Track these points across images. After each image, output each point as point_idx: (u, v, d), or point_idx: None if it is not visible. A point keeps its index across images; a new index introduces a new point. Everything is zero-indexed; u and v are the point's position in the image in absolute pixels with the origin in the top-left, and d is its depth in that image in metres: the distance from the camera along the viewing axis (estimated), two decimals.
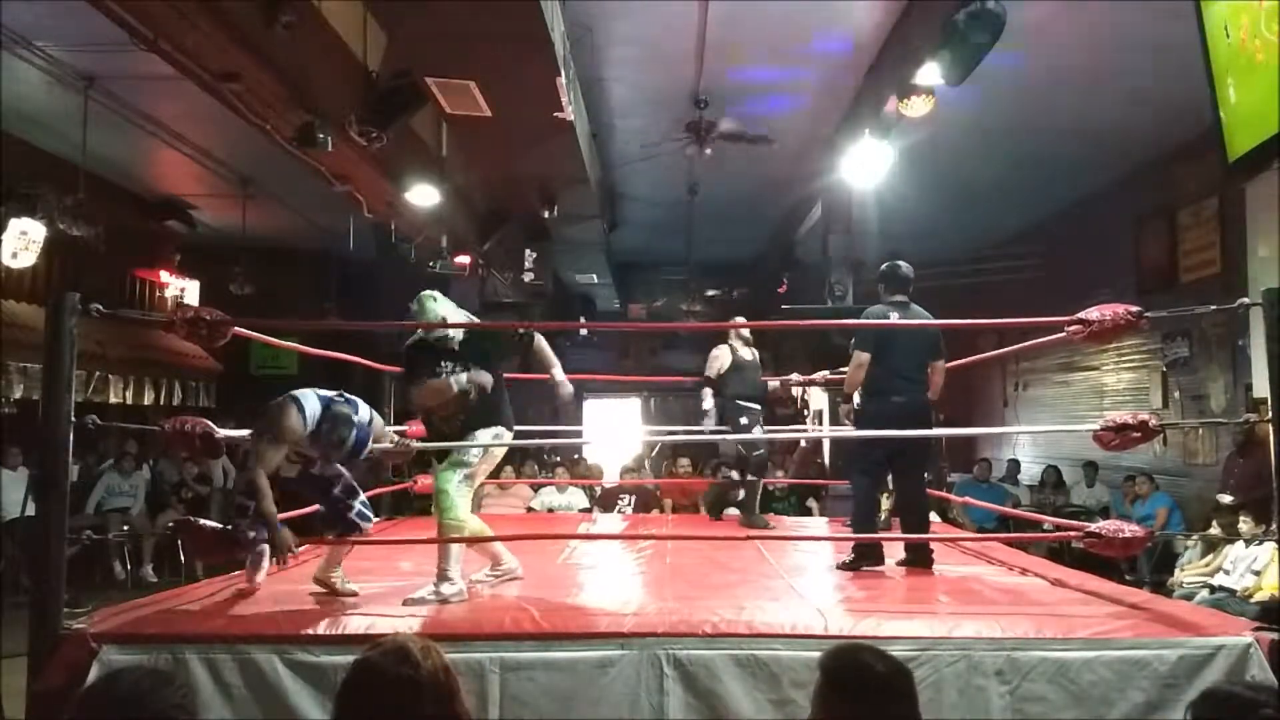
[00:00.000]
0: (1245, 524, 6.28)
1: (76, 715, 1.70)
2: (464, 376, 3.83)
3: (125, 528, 8.63)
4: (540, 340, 4.12)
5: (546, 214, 8.93)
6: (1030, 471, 11.34)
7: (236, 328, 3.75)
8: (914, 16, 6.03)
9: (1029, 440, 12.10)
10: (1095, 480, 9.79)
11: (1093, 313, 3.60)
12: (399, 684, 1.76)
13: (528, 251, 10.26)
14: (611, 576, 4.62)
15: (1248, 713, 1.58)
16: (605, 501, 8.80)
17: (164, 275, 11.15)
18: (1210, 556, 6.81)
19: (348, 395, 3.74)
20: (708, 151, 8.25)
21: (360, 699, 1.78)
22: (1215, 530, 6.63)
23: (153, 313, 8.54)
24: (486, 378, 3.88)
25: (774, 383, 7.26)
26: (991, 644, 3.03)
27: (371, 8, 5.55)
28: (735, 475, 6.39)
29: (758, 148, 8.35)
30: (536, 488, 8.66)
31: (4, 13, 5.51)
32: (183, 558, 8.54)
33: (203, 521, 3.76)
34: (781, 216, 11.53)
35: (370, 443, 3.70)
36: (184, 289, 11.35)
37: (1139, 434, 3.53)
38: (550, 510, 8.14)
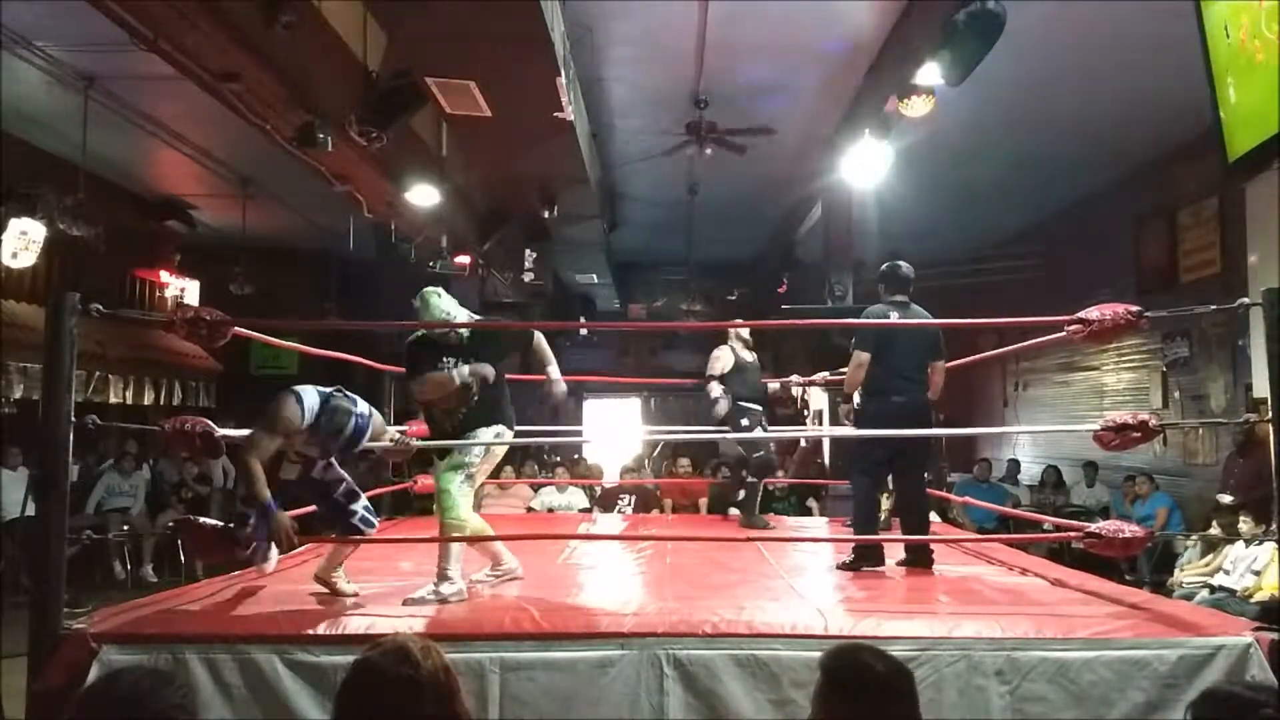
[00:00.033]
0: (1245, 524, 6.28)
1: (76, 715, 1.70)
2: (466, 369, 3.84)
3: (125, 528, 8.63)
4: (540, 338, 4.14)
5: (546, 214, 8.93)
6: (1030, 471, 11.34)
7: (236, 328, 3.75)
8: (914, 16, 6.03)
9: (1029, 440, 12.11)
10: (1095, 480, 9.79)
11: (1092, 312, 3.60)
12: (399, 684, 1.76)
13: (528, 251, 10.27)
14: (611, 576, 4.61)
15: (1248, 713, 1.58)
16: (605, 501, 8.80)
17: (164, 275, 11.15)
18: (1210, 556, 6.81)
19: (346, 391, 3.75)
20: (708, 151, 8.26)
21: (360, 699, 1.78)
22: (1215, 530, 6.63)
23: (153, 313, 8.54)
24: (489, 369, 3.89)
25: (774, 385, 7.26)
26: (991, 644, 3.03)
27: (371, 8, 5.55)
28: (746, 475, 6.40)
29: (758, 148, 8.35)
30: (536, 488, 8.67)
31: (4, 13, 5.51)
32: (183, 558, 8.55)
33: (203, 520, 3.76)
34: (781, 216, 11.53)
35: (369, 433, 3.70)
36: (184, 289, 11.35)
37: (1139, 434, 3.53)
38: (550, 510, 8.14)
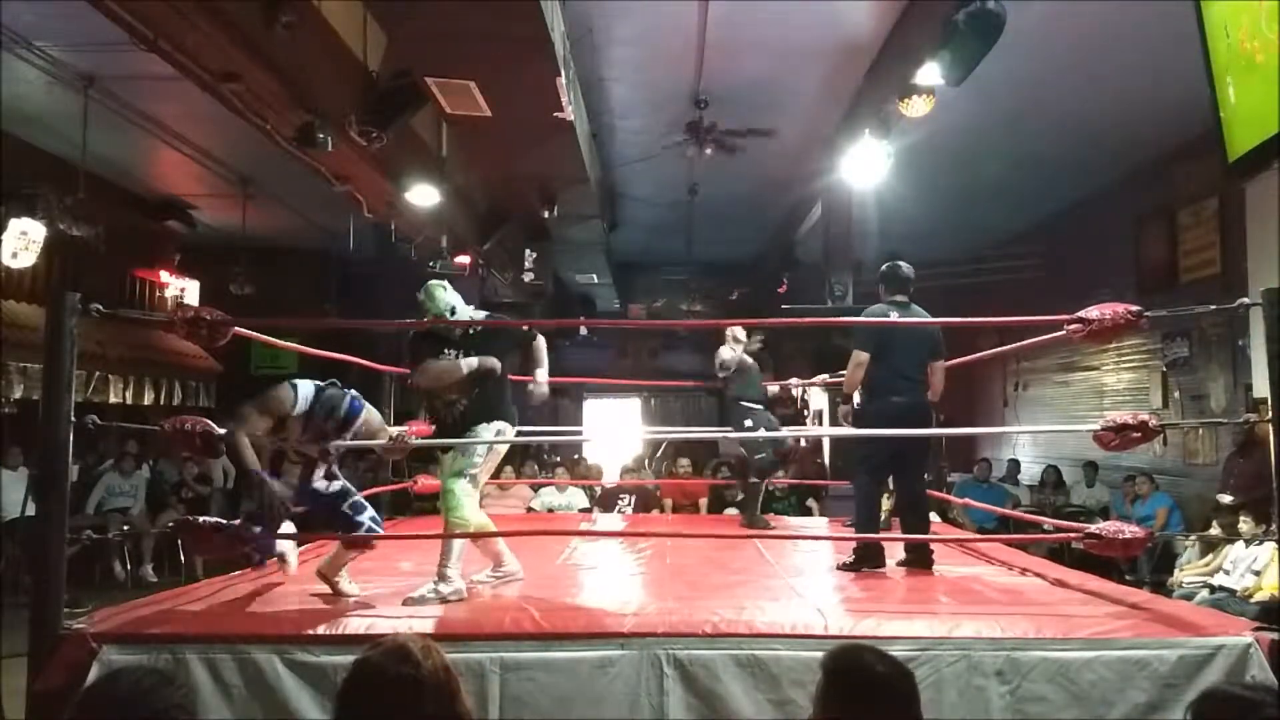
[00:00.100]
0: (1245, 524, 6.27)
1: (76, 715, 1.70)
2: (474, 360, 3.86)
3: (125, 528, 8.62)
4: (541, 341, 4.16)
5: (546, 214, 8.92)
6: (1030, 471, 11.34)
7: (236, 328, 3.75)
8: (914, 16, 6.03)
9: (1029, 440, 12.10)
10: (1095, 480, 9.79)
11: (1092, 312, 3.60)
12: (400, 684, 1.75)
13: (528, 251, 10.27)
14: (611, 576, 4.61)
15: (1248, 713, 1.58)
16: (605, 501, 8.80)
17: (164, 275, 11.14)
18: (1210, 556, 6.81)
19: (341, 385, 3.79)
20: (708, 151, 8.26)
21: (361, 699, 1.78)
22: (1215, 530, 6.63)
23: (153, 313, 8.55)
24: (496, 362, 3.90)
25: (774, 387, 7.27)
26: (991, 644, 3.03)
27: (371, 8, 5.55)
28: (748, 477, 6.41)
29: (758, 148, 8.35)
30: (536, 488, 8.67)
31: (4, 13, 5.51)
32: (183, 558, 8.56)
33: (203, 519, 3.76)
34: (781, 216, 11.52)
35: (362, 417, 3.71)
36: (184, 289, 11.34)
37: (1139, 434, 3.53)
38: (550, 510, 8.15)
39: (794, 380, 8.04)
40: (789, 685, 2.96)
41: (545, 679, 3.00)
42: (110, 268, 9.58)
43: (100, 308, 3.36)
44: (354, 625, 3.22)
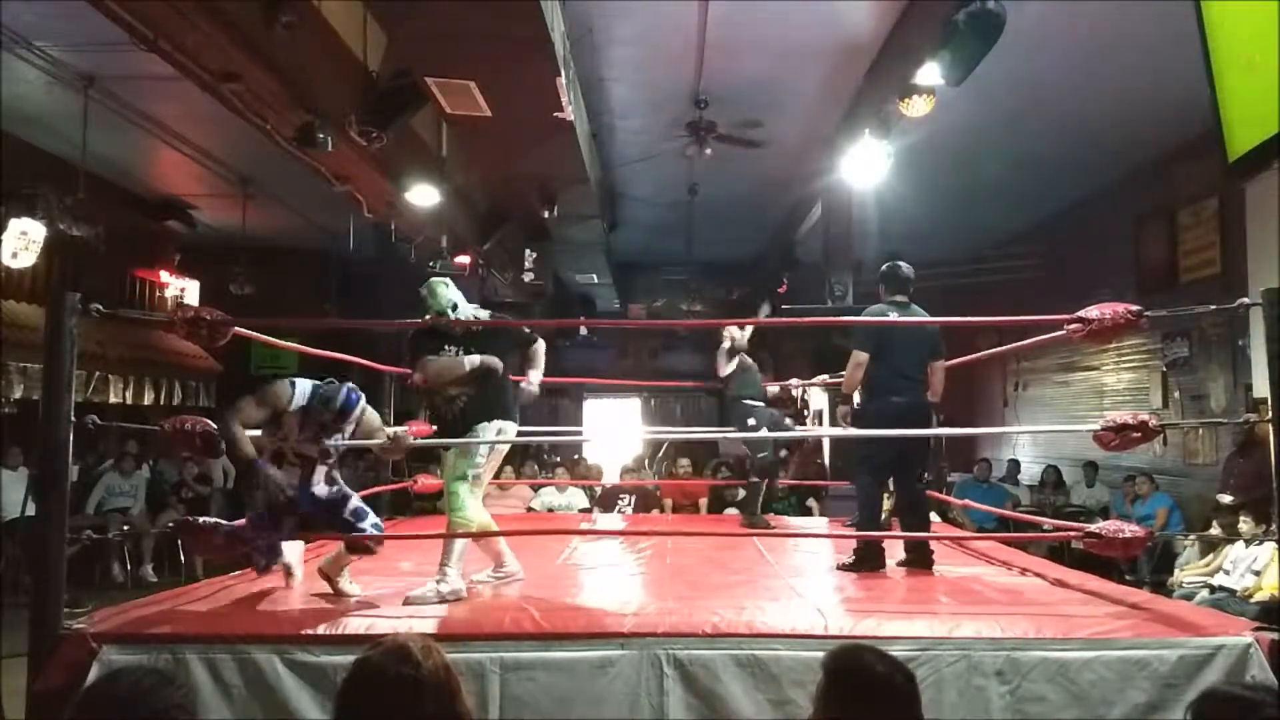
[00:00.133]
0: (1245, 524, 6.28)
1: (76, 715, 1.70)
2: (476, 357, 3.87)
3: (125, 528, 8.62)
4: (540, 344, 4.17)
5: (546, 214, 8.92)
6: (1030, 471, 11.34)
7: (236, 328, 3.76)
8: (914, 16, 6.03)
9: (1029, 440, 12.10)
10: (1095, 480, 9.79)
11: (1092, 312, 3.59)
12: (400, 683, 1.75)
13: (528, 251, 10.26)
14: (611, 576, 4.61)
15: (1248, 713, 1.58)
16: (605, 501, 8.80)
17: (164, 275, 11.14)
18: (1210, 556, 6.81)
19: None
20: (708, 151, 8.26)
21: (361, 698, 1.78)
22: (1215, 530, 6.63)
23: (153, 313, 8.54)
24: (496, 360, 3.91)
25: (774, 387, 7.28)
26: (991, 644, 3.03)
27: (371, 8, 5.55)
28: (749, 476, 6.41)
29: (758, 147, 8.35)
30: (536, 488, 8.67)
31: (4, 13, 5.51)
32: (183, 558, 8.55)
33: (203, 519, 3.76)
34: (781, 216, 11.53)
35: (359, 408, 3.72)
36: (184, 289, 11.34)
37: (1139, 434, 3.53)
38: (550, 510, 8.15)
39: (794, 380, 8.05)
40: (789, 685, 2.96)
41: (545, 679, 3.00)
42: (110, 268, 9.58)
43: (100, 308, 3.36)
44: (354, 625, 3.21)
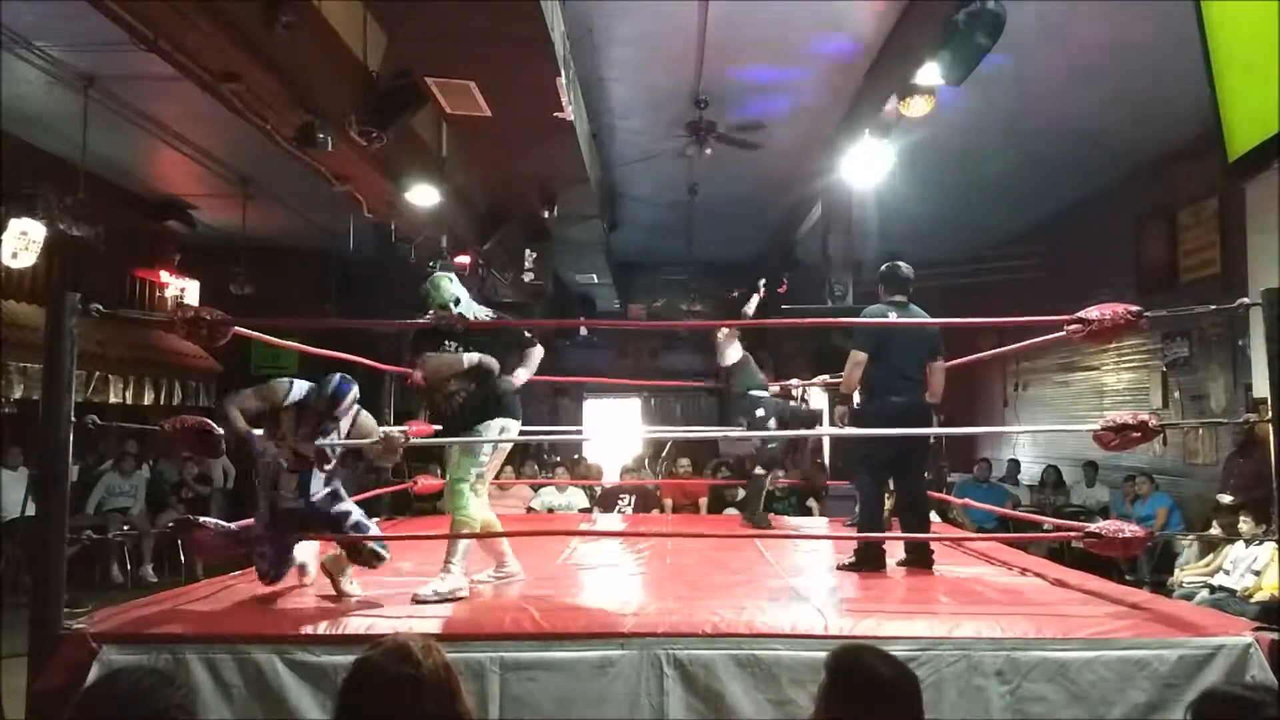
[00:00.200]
0: (1245, 524, 6.28)
1: (76, 715, 1.70)
2: (475, 355, 3.88)
3: (125, 528, 8.62)
4: (538, 349, 4.16)
5: (546, 214, 8.92)
6: (1030, 471, 11.34)
7: (236, 328, 3.76)
8: (914, 16, 6.03)
9: (1029, 440, 12.10)
10: (1095, 480, 9.79)
11: (1092, 312, 3.60)
12: (400, 683, 1.75)
13: (528, 251, 10.26)
14: (611, 576, 4.61)
15: (1248, 713, 1.58)
16: (605, 501, 8.80)
17: (164, 275, 11.14)
18: (1210, 556, 6.81)
19: None
20: (707, 152, 8.26)
21: (361, 698, 1.78)
22: (1215, 530, 6.63)
23: (153, 313, 8.55)
24: (493, 360, 3.91)
25: (774, 387, 7.28)
26: (991, 644, 3.04)
27: (371, 8, 5.55)
28: (753, 469, 6.41)
29: (758, 148, 8.35)
30: (536, 488, 8.67)
31: (4, 13, 5.51)
32: (183, 558, 8.55)
33: (204, 520, 3.77)
34: (781, 216, 11.52)
35: (353, 396, 3.72)
36: (184, 289, 11.34)
37: (1139, 434, 3.53)
38: (550, 510, 8.15)
39: (794, 380, 8.03)
40: (789, 685, 2.96)
41: (545, 679, 3.00)
42: (110, 268, 9.58)
43: (100, 308, 3.37)
44: (354, 625, 3.22)
